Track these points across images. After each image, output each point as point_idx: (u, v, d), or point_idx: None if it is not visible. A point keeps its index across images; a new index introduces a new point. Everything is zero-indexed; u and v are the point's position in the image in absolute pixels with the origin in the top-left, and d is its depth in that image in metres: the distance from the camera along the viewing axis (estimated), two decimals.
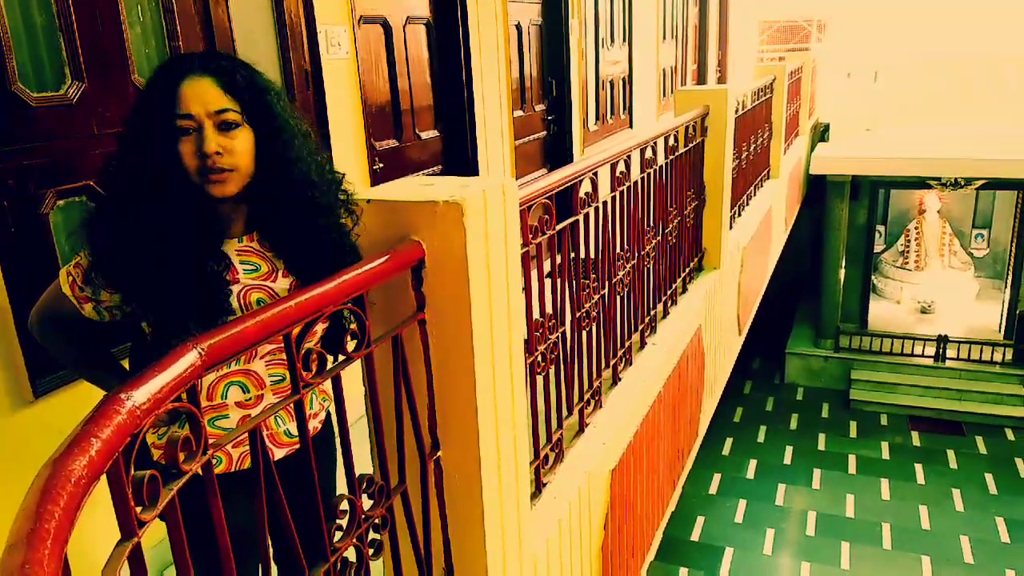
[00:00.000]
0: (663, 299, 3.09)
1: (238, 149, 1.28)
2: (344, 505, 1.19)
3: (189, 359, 0.86)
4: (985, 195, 12.67)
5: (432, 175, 3.81)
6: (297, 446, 1.46)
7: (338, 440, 1.25)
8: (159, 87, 1.27)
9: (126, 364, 1.50)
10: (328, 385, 1.15)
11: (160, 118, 1.25)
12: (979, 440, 9.70)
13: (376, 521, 1.27)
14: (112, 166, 1.30)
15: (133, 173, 1.27)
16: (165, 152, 1.25)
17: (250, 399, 1.38)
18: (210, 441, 0.90)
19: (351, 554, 1.22)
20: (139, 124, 1.28)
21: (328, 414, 1.60)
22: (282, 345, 1.19)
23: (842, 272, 11.29)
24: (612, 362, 2.52)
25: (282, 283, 1.39)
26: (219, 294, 1.30)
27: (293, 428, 1.46)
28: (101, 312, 1.34)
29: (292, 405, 1.08)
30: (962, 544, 7.69)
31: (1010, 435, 9.82)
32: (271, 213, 1.37)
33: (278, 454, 1.44)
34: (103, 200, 1.31)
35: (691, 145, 3.28)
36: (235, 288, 1.34)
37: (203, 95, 1.26)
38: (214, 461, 1.37)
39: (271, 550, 1.15)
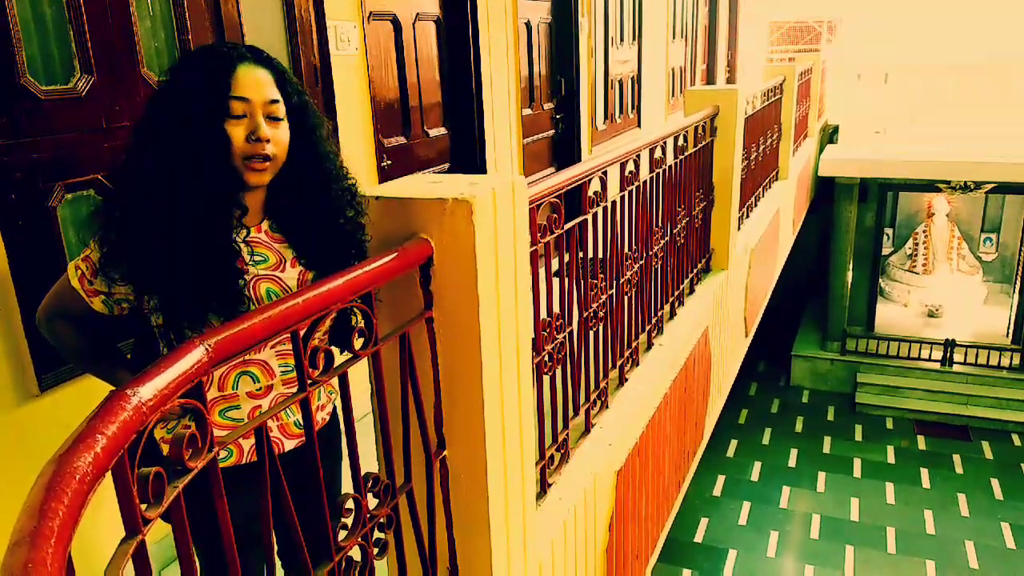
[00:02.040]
0: (670, 300, 3.07)
1: (281, 141, 1.34)
2: (349, 504, 1.18)
3: (196, 355, 0.85)
4: (994, 199, 12.61)
5: (440, 172, 3.80)
6: None
7: (344, 438, 1.25)
8: (212, 67, 1.29)
9: None
10: (335, 379, 1.15)
11: (212, 96, 1.27)
12: (985, 445, 9.65)
13: (381, 520, 1.26)
14: (139, 143, 1.30)
15: (166, 150, 1.26)
16: (212, 130, 1.27)
17: (260, 389, 1.39)
18: (222, 434, 0.89)
19: (356, 553, 1.21)
20: (182, 101, 1.28)
21: (335, 406, 1.60)
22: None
23: (849, 275, 11.24)
24: (619, 362, 2.50)
25: (290, 273, 1.40)
26: (236, 279, 1.31)
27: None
28: (111, 305, 1.33)
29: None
30: (967, 549, 7.65)
31: (1017, 440, 9.77)
32: (294, 201, 1.40)
33: (289, 445, 1.45)
34: (121, 181, 1.31)
35: (700, 145, 3.26)
36: (244, 278, 1.34)
37: (259, 84, 1.31)
38: (224, 454, 1.37)
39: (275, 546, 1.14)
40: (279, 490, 1.04)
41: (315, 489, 1.15)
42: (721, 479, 9.01)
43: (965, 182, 10.15)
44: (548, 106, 5.10)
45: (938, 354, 10.79)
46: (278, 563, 1.53)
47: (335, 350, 1.14)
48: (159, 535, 2.04)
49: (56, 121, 1.95)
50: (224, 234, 1.31)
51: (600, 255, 2.23)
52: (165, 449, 1.39)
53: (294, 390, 1.41)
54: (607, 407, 2.38)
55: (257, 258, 1.38)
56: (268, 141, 1.30)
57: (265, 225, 1.41)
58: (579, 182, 1.98)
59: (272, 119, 1.32)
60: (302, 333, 1.03)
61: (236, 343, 0.91)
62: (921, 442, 9.82)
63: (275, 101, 1.32)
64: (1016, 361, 10.50)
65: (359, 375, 1.23)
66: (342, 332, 1.16)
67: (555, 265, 1.90)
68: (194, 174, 1.25)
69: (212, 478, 0.91)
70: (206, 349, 0.86)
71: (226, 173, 1.30)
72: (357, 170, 3.21)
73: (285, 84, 1.35)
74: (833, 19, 17.23)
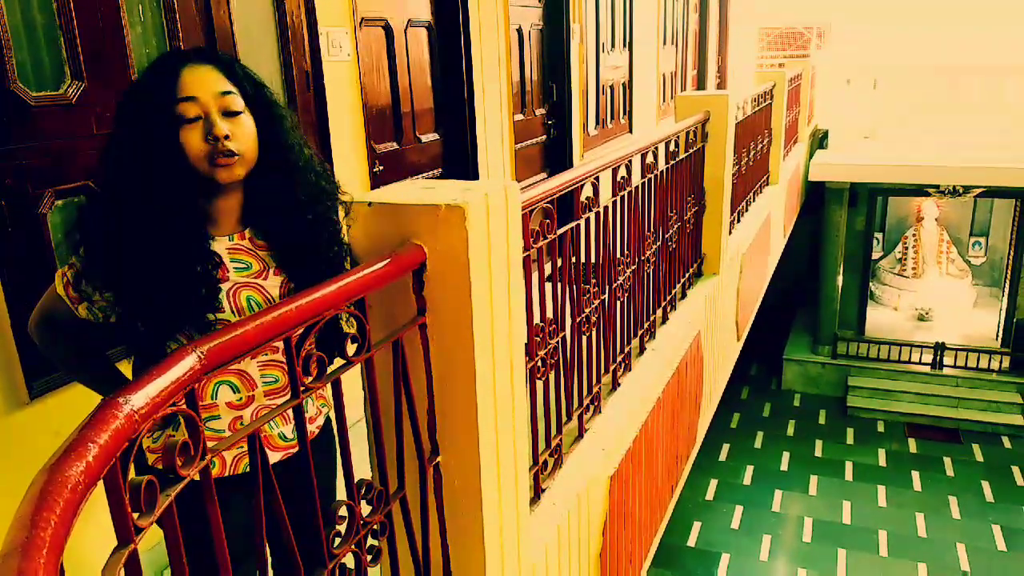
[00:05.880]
0: (663, 304, 3.08)
1: (244, 134, 1.30)
2: (343, 511, 1.18)
3: (188, 363, 0.84)
4: (983, 203, 12.70)
5: (432, 178, 3.80)
6: (293, 450, 1.45)
7: (337, 445, 1.24)
8: (158, 73, 1.26)
9: (124, 367, 1.49)
10: (327, 389, 1.14)
11: (160, 103, 1.24)
12: (976, 448, 9.71)
13: (375, 527, 1.26)
14: (106, 161, 1.29)
15: (126, 167, 1.25)
16: (166, 140, 1.24)
17: (241, 400, 1.37)
18: (209, 444, 0.89)
19: (349, 560, 1.21)
20: (134, 113, 1.26)
21: (327, 420, 1.58)
22: (276, 347, 1.17)
23: (840, 279, 11.30)
24: (612, 367, 2.51)
25: (273, 280, 1.38)
26: (209, 294, 1.29)
27: (288, 431, 1.45)
28: (95, 313, 1.32)
29: (290, 408, 1.07)
30: (958, 552, 7.69)
31: (1007, 443, 9.82)
32: (271, 200, 1.37)
33: (273, 458, 1.42)
34: (95, 198, 1.30)
35: (691, 151, 3.27)
36: (224, 286, 1.33)
37: (206, 80, 1.27)
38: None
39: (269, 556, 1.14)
40: (269, 502, 1.04)
41: (303, 501, 1.15)
42: (714, 483, 9.02)
43: (954, 186, 10.22)
44: (540, 112, 5.11)
45: (928, 357, 10.85)
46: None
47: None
48: (150, 543, 2.03)
49: (46, 127, 1.94)
50: (188, 244, 1.28)
51: (593, 260, 2.23)
52: (151, 459, 1.38)
53: (278, 402, 1.40)
54: (600, 412, 2.38)
55: (239, 265, 1.36)
56: (227, 137, 1.26)
57: (248, 232, 1.39)
58: (571, 187, 1.98)
59: (229, 114, 1.28)
60: (295, 339, 1.03)
61: (229, 350, 0.91)
62: (912, 445, 9.86)
63: (227, 93, 1.27)
64: (1006, 364, 10.57)
65: (352, 382, 1.22)
66: (329, 339, 1.15)
67: (548, 270, 1.90)
68: (150, 192, 1.23)
69: (204, 486, 0.90)
70: (199, 356, 0.86)
71: (185, 181, 1.26)
72: (349, 175, 3.21)
73: (235, 75, 1.30)
74: (822, 25, 17.35)
